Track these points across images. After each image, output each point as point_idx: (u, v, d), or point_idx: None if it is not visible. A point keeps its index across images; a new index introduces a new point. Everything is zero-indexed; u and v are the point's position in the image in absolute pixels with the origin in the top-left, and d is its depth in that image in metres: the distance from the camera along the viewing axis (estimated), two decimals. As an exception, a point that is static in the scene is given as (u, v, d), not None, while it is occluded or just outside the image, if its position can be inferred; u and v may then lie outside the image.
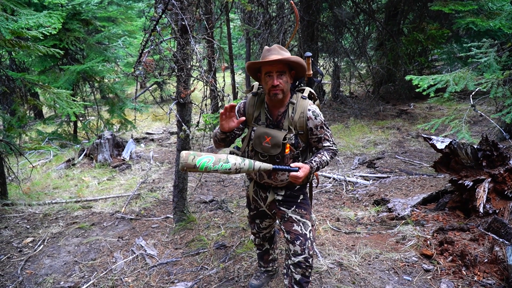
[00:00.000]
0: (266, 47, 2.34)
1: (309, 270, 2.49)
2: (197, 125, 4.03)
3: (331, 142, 2.47)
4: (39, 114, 11.33)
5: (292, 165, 2.27)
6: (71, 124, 9.08)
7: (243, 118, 2.31)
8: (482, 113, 4.85)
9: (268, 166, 2.27)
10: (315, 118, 2.36)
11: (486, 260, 3.13)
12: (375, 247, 3.57)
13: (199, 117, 3.90)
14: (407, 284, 3.03)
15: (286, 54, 2.31)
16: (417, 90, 4.88)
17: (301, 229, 2.48)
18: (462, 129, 4.44)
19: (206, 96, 3.82)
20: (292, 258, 2.49)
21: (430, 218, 3.97)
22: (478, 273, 3.04)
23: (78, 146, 8.22)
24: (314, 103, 2.50)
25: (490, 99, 5.21)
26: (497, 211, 3.65)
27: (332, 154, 2.46)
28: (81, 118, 9.24)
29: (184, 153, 2.20)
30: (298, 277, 2.49)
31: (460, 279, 3.01)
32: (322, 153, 2.42)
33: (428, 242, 3.50)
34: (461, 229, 3.60)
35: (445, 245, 3.37)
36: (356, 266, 3.27)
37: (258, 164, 2.27)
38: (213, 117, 3.64)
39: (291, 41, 2.67)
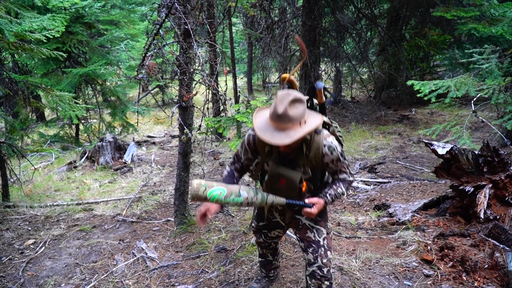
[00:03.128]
0: (278, 102, 2.05)
1: (326, 283, 2.37)
2: (199, 129, 4.04)
3: (348, 173, 2.35)
4: (41, 117, 11.37)
5: (306, 200, 2.20)
6: (73, 126, 9.11)
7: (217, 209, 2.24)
8: (484, 119, 4.86)
9: (282, 200, 2.21)
10: (331, 153, 2.23)
11: (487, 266, 3.13)
12: (376, 252, 3.58)
13: (201, 121, 3.92)
14: (407, 289, 3.03)
15: (297, 118, 2.05)
16: (418, 95, 4.88)
17: (314, 236, 2.42)
18: (463, 135, 4.45)
19: (208, 99, 3.84)
20: (308, 268, 2.42)
21: (431, 223, 3.98)
22: (479, 278, 3.04)
23: (80, 148, 8.24)
24: (329, 129, 2.39)
25: (492, 105, 5.21)
26: (497, 217, 3.65)
27: (348, 185, 2.36)
28: (83, 121, 9.27)
29: (195, 183, 2.12)
30: None
31: (461, 285, 3.01)
32: (337, 184, 2.32)
33: (429, 247, 3.50)
34: (462, 234, 3.60)
35: (446, 250, 3.37)
36: (356, 270, 3.27)
37: (271, 198, 2.20)
38: (214, 120, 3.66)
39: (294, 73, 2.52)
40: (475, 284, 2.99)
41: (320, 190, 2.37)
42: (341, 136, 2.48)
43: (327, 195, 2.28)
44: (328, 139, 2.25)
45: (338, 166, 2.30)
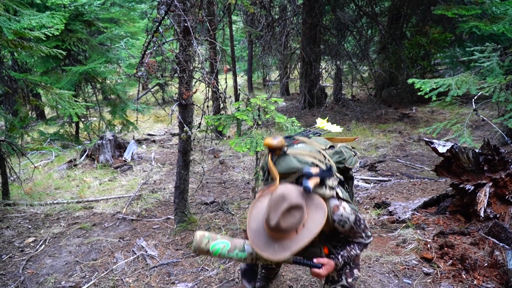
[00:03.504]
0: (271, 213, 1.88)
1: None
2: (199, 127, 4.04)
3: (364, 237, 2.18)
4: (41, 115, 11.37)
5: (315, 260, 2.06)
6: (73, 125, 9.10)
7: None
8: (484, 118, 4.85)
9: (289, 258, 2.06)
10: (343, 227, 2.09)
11: (486, 264, 3.13)
12: (376, 250, 3.58)
13: (201, 119, 3.91)
14: (407, 287, 3.03)
15: (291, 226, 1.88)
16: (419, 93, 4.88)
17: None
18: (464, 133, 4.44)
19: (208, 97, 3.84)
20: (329, 284, 2.26)
21: (431, 221, 3.97)
22: (478, 277, 3.04)
23: (80, 147, 8.24)
24: (339, 199, 2.15)
25: (492, 104, 5.21)
26: (497, 216, 3.65)
27: (363, 247, 2.21)
28: (83, 119, 9.27)
29: (198, 234, 2.06)
30: None
31: (460, 283, 3.01)
32: (352, 246, 2.18)
33: (429, 245, 3.50)
34: (462, 233, 3.60)
35: (446, 248, 3.37)
36: (359, 276, 3.26)
37: None
38: (214, 118, 3.65)
39: (277, 142, 2.16)
40: (475, 282, 2.99)
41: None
42: (352, 149, 2.39)
43: (339, 257, 2.15)
44: (337, 213, 2.07)
45: (353, 233, 2.15)
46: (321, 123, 3.04)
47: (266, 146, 2.23)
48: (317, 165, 2.14)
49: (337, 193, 2.14)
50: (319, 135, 2.64)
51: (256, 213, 2.03)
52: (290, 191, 1.92)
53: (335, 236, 2.16)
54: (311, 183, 1.99)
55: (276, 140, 2.19)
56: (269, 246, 1.91)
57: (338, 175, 2.29)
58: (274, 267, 3.01)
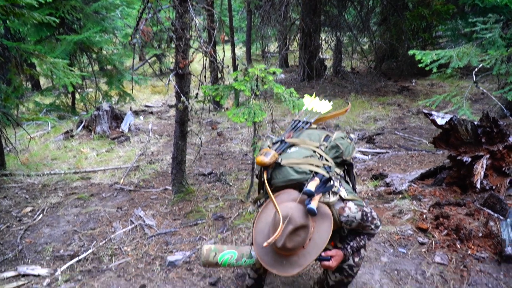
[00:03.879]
0: (278, 235, 1.83)
1: (349, 279, 2.24)
2: (196, 97, 4.00)
3: (373, 228, 2.17)
4: (37, 85, 11.24)
5: (323, 254, 2.04)
6: (69, 95, 9.01)
7: None
8: (484, 90, 4.81)
9: None
10: (351, 225, 2.08)
11: (481, 234, 3.16)
12: (372, 220, 3.60)
13: (198, 89, 3.86)
14: (401, 256, 3.07)
15: (297, 244, 1.89)
16: (419, 65, 4.82)
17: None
18: (463, 105, 4.42)
19: (205, 67, 3.78)
20: None
21: (427, 193, 3.99)
22: (472, 246, 3.07)
23: (76, 117, 8.18)
24: (343, 200, 2.10)
25: (493, 77, 5.16)
26: (493, 187, 3.66)
27: (372, 237, 2.23)
28: (79, 90, 9.17)
29: (205, 249, 2.07)
30: (332, 283, 2.27)
31: (454, 252, 3.04)
32: (361, 237, 2.18)
33: (424, 216, 3.52)
34: (457, 204, 3.62)
35: (441, 219, 3.39)
36: (364, 255, 3.28)
37: None
38: (212, 88, 3.60)
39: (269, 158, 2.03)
40: (469, 252, 3.03)
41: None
42: (347, 135, 2.34)
43: (349, 247, 2.14)
44: (344, 215, 2.05)
45: (362, 227, 2.14)
46: (310, 102, 2.97)
47: (258, 164, 2.18)
48: (316, 172, 2.09)
49: (340, 196, 2.10)
50: (309, 124, 2.58)
51: (261, 228, 2.03)
52: (294, 212, 1.89)
53: (342, 234, 2.18)
54: (315, 203, 1.95)
55: (268, 157, 2.13)
56: (277, 262, 1.93)
57: (338, 171, 2.27)
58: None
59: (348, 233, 2.24)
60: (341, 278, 2.23)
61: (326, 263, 2.05)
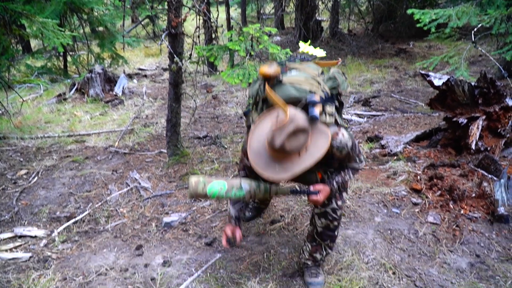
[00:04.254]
0: (276, 133, 1.84)
1: (335, 223, 2.31)
2: (190, 58, 3.92)
3: (357, 162, 2.21)
4: (28, 48, 10.97)
5: (311, 188, 2.08)
6: (61, 58, 8.82)
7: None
8: (483, 50, 4.74)
9: (286, 190, 2.13)
10: (341, 153, 2.06)
11: (474, 195, 3.20)
12: (366, 182, 3.63)
13: (192, 49, 3.78)
14: (395, 216, 3.11)
15: (295, 148, 1.86)
16: (418, 25, 4.73)
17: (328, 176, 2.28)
18: (461, 66, 4.37)
19: (198, 27, 3.68)
20: (319, 207, 2.31)
21: (422, 154, 4.01)
22: (465, 207, 3.12)
23: (68, 80, 8.04)
24: (338, 124, 2.16)
25: (492, 39, 5.08)
26: (488, 149, 3.68)
27: (356, 172, 2.26)
28: (71, 53, 8.98)
29: (193, 180, 2.01)
30: (320, 229, 2.34)
31: (447, 212, 3.08)
32: (346, 171, 2.20)
33: (418, 177, 3.55)
34: (452, 165, 3.64)
35: (435, 180, 3.42)
36: (347, 199, 3.32)
37: (274, 188, 2.10)
38: (206, 49, 3.52)
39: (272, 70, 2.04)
40: (462, 212, 3.07)
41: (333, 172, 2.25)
42: (343, 73, 2.32)
43: (334, 182, 2.16)
44: (337, 139, 2.04)
45: (348, 159, 2.17)
46: (304, 47, 2.92)
47: (261, 75, 2.15)
48: (315, 93, 2.09)
49: (336, 120, 2.15)
50: (308, 61, 2.55)
51: (258, 135, 2.01)
52: (297, 114, 1.88)
53: (329, 162, 2.16)
54: (317, 111, 1.97)
55: (272, 69, 2.11)
56: (270, 166, 1.91)
57: (336, 101, 2.27)
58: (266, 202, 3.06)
59: (332, 168, 2.27)
60: (327, 223, 2.30)
61: (314, 197, 2.08)
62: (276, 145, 1.84)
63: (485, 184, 3.23)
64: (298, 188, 2.12)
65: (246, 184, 2.07)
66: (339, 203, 2.27)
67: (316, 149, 1.92)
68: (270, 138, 1.86)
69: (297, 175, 1.89)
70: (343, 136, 2.05)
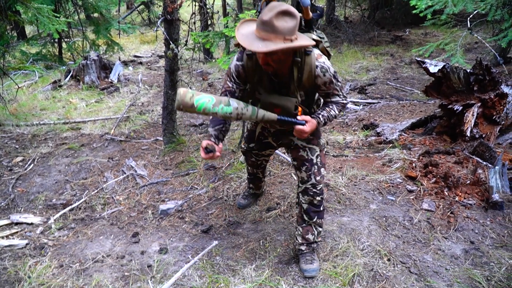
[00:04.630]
0: (265, 10, 1.91)
1: (317, 198, 2.40)
2: (186, 44, 3.89)
3: (341, 96, 2.25)
4: (22, 35, 10.86)
5: (299, 117, 2.11)
6: (56, 45, 8.75)
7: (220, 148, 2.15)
8: (478, 37, 4.73)
9: (273, 116, 2.10)
10: (324, 75, 2.12)
11: (469, 182, 3.22)
12: (362, 169, 3.64)
13: (187, 36, 3.75)
14: (390, 203, 3.13)
15: (282, 29, 1.89)
16: (414, 11, 4.72)
17: (307, 155, 2.39)
18: (456, 53, 4.37)
19: (194, 13, 3.65)
20: (300, 185, 2.43)
21: (417, 142, 4.02)
22: (460, 194, 3.14)
23: (64, 67, 7.98)
24: (319, 47, 2.25)
25: (488, 26, 5.07)
26: (483, 136, 3.70)
27: (341, 108, 2.28)
28: (66, 39, 8.90)
29: (181, 90, 1.96)
30: (305, 206, 2.43)
31: (442, 199, 3.11)
32: (330, 107, 2.24)
33: (414, 164, 3.56)
34: (447, 152, 3.66)
35: (430, 167, 3.44)
36: (342, 186, 3.35)
37: (262, 112, 2.09)
38: (202, 35, 3.50)
39: None
40: (456, 198, 3.09)
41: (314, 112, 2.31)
42: (328, 47, 2.37)
43: (320, 116, 2.20)
44: (320, 60, 2.12)
45: (331, 89, 2.20)
46: None
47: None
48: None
49: (318, 42, 2.25)
50: None
51: (245, 27, 2.07)
52: (290, 6, 1.95)
53: (313, 90, 2.24)
54: (308, 4, 2.14)
55: None
56: (254, 43, 1.94)
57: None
58: (261, 177, 3.07)
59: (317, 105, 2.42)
60: (310, 199, 2.41)
61: (300, 127, 2.11)
62: (264, 18, 1.89)
63: (479, 171, 3.26)
64: (285, 117, 2.13)
65: (235, 102, 2.05)
66: (318, 178, 2.37)
67: (298, 43, 1.95)
68: (260, 16, 1.92)
69: (273, 51, 1.90)
70: (326, 60, 2.14)
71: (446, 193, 3.16)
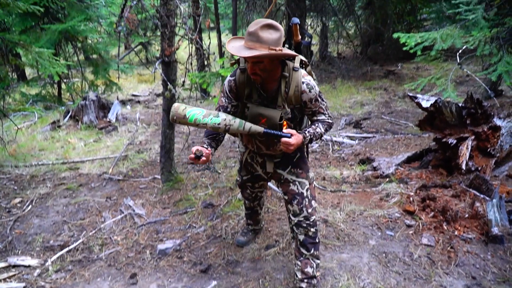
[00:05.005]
0: (250, 26, 2.09)
1: (312, 230, 2.45)
2: (183, 85, 3.98)
3: (327, 115, 2.36)
4: (22, 76, 11.03)
5: (285, 131, 2.18)
6: (55, 85, 8.89)
7: (208, 152, 2.19)
8: (469, 71, 4.85)
9: (259, 128, 2.18)
10: (310, 91, 2.23)
11: (467, 215, 3.23)
12: (360, 204, 3.65)
13: (185, 77, 3.84)
14: (389, 239, 3.12)
15: (268, 38, 2.06)
16: (404, 48, 4.85)
17: (297, 189, 2.46)
18: (448, 87, 4.46)
19: (191, 54, 3.75)
20: (292, 218, 2.47)
21: (414, 176, 4.05)
22: (459, 227, 3.14)
23: (63, 108, 8.08)
24: (305, 69, 2.37)
25: (477, 58, 5.20)
26: (479, 168, 3.73)
27: (327, 127, 2.37)
28: (65, 80, 9.04)
29: (175, 104, 2.15)
30: (301, 237, 2.47)
31: (441, 234, 3.10)
32: (316, 124, 2.33)
33: (411, 199, 3.58)
34: (444, 186, 3.68)
35: (427, 201, 3.45)
36: (340, 222, 3.34)
37: (248, 125, 2.18)
38: (198, 76, 3.59)
39: (267, 14, 2.44)
40: (455, 233, 3.09)
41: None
42: (314, 79, 2.48)
43: (306, 131, 2.28)
44: (306, 77, 2.25)
45: (317, 107, 2.31)
46: None
47: None
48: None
49: (305, 64, 2.38)
50: None
51: (237, 40, 2.22)
52: (274, 21, 2.12)
53: (298, 109, 2.33)
54: (297, 22, 2.35)
55: None
56: (242, 51, 2.09)
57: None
58: (258, 210, 3.10)
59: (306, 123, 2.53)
60: (305, 231, 2.46)
61: (286, 139, 2.15)
62: (250, 30, 2.07)
63: (477, 204, 3.27)
64: (271, 130, 2.20)
65: (223, 114, 2.18)
66: (310, 210, 2.44)
67: (282, 53, 2.10)
68: (248, 28, 2.10)
69: (256, 55, 2.03)
70: (312, 80, 2.27)
71: (445, 227, 3.16)
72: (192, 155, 2.14)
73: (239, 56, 2.18)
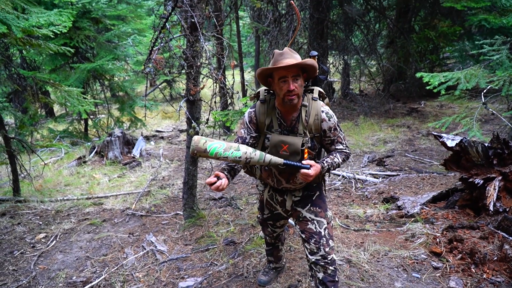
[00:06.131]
0: (277, 51, 2.25)
1: (331, 268, 2.42)
2: (207, 122, 4.05)
3: (344, 145, 2.42)
4: (51, 112, 11.47)
5: (304, 162, 2.21)
6: (82, 122, 9.19)
7: (225, 179, 2.19)
8: (494, 111, 4.80)
9: (279, 160, 2.21)
10: (329, 120, 2.32)
11: (496, 258, 3.11)
12: (384, 244, 3.57)
13: (209, 114, 3.93)
14: (416, 281, 3.02)
15: (298, 58, 2.24)
16: (427, 87, 4.84)
17: (315, 227, 2.45)
18: (473, 127, 4.41)
19: (215, 93, 3.84)
20: (309, 257, 2.46)
21: (440, 216, 3.96)
22: (487, 270, 3.03)
23: (89, 143, 8.31)
24: (323, 101, 2.45)
25: (502, 97, 5.15)
26: (507, 210, 3.62)
27: (345, 157, 2.42)
28: (91, 116, 9.33)
29: (196, 137, 2.17)
30: (320, 275, 2.44)
31: (469, 277, 3.00)
32: (334, 154, 2.38)
33: (438, 240, 3.49)
34: (471, 227, 3.58)
35: (455, 243, 3.35)
36: (365, 263, 3.27)
37: (269, 157, 2.21)
38: (222, 114, 3.66)
39: (292, 41, 2.53)
40: (484, 276, 2.98)
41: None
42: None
43: (324, 161, 2.32)
44: (325, 107, 2.36)
45: (336, 136, 2.38)
46: None
47: None
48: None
49: (323, 97, 2.47)
50: None
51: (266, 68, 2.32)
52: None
53: (318, 137, 2.38)
54: (315, 54, 2.41)
55: None
56: (284, 58, 2.21)
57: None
58: (279, 246, 3.09)
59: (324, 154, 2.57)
60: (323, 269, 2.42)
61: (305, 170, 2.17)
62: (280, 52, 2.24)
63: (506, 246, 3.16)
64: (290, 161, 2.22)
65: (244, 147, 2.19)
66: (327, 249, 2.42)
67: (317, 64, 2.29)
68: (275, 56, 2.25)
69: (303, 62, 2.18)
70: (330, 110, 2.38)
71: (474, 270, 3.05)
72: (209, 181, 2.14)
73: (283, 66, 2.20)
